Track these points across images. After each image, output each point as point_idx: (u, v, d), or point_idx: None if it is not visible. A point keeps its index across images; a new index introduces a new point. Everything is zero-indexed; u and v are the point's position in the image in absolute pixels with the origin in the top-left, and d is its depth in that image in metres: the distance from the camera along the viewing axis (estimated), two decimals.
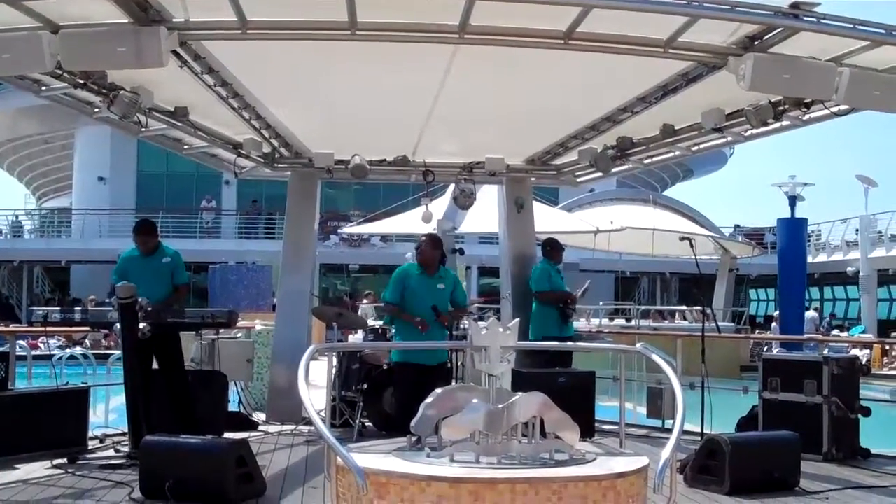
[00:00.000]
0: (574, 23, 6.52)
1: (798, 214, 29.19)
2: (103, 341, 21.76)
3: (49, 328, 9.16)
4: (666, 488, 5.16)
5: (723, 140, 9.72)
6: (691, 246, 10.95)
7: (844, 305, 42.69)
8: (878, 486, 7.85)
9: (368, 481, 4.91)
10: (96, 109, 8.59)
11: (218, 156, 11.42)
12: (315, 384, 6.63)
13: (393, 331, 10.24)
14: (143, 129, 9.21)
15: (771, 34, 6.61)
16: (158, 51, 6.33)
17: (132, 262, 9.12)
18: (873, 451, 9.13)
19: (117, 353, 11.18)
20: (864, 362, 20.71)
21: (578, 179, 12.32)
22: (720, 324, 23.42)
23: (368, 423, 10.02)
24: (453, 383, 9.90)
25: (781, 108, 8.02)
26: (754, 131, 8.85)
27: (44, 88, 7.96)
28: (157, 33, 6.31)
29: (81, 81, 7.63)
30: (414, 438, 5.85)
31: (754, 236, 39.63)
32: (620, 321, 28.81)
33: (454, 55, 7.38)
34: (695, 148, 10.17)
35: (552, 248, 11.24)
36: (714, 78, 7.37)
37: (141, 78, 7.87)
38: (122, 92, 7.92)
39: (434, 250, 9.63)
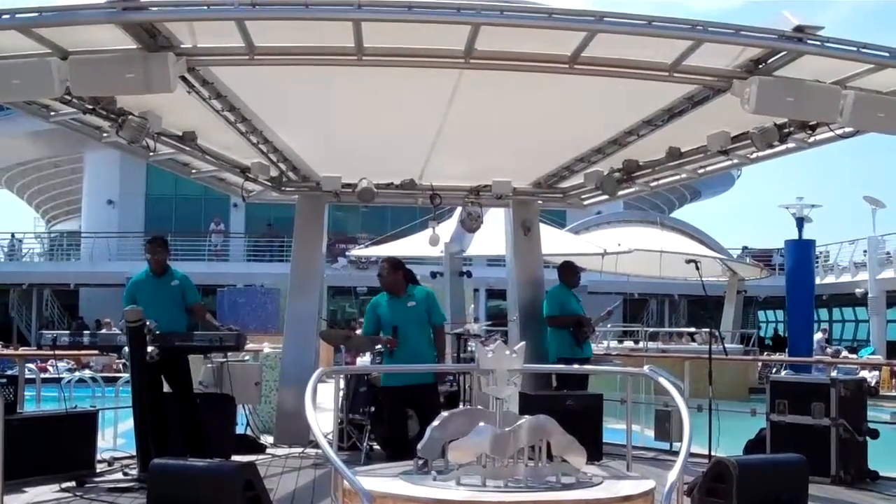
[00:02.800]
0: (579, 47, 6.56)
1: (806, 236, 29.11)
2: (114, 364, 21.71)
3: (58, 351, 9.17)
4: None
5: (729, 162, 9.73)
6: (697, 268, 10.96)
7: (853, 327, 42.58)
8: None
9: None
10: (105, 134, 8.65)
11: (226, 179, 11.48)
12: (323, 407, 6.66)
13: None
14: (151, 154, 9.28)
15: (775, 57, 6.64)
16: (167, 76, 6.37)
17: (142, 286, 9.17)
18: (882, 473, 9.09)
19: (126, 376, 11.21)
20: (872, 384, 20.66)
21: (585, 202, 12.34)
22: (728, 346, 23.36)
23: (376, 447, 10.01)
24: (461, 406, 9.91)
25: (787, 130, 8.04)
26: (760, 154, 8.87)
27: (53, 114, 8.02)
28: (165, 59, 6.35)
29: (90, 107, 7.69)
30: (421, 461, 5.86)
31: (762, 258, 39.51)
32: (629, 343, 28.73)
33: (460, 79, 7.42)
34: (701, 170, 10.18)
35: (563, 271, 11.26)
36: (719, 101, 7.40)
37: (149, 103, 7.92)
38: (130, 117, 7.97)
39: (394, 273, 9.49)
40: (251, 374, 11.16)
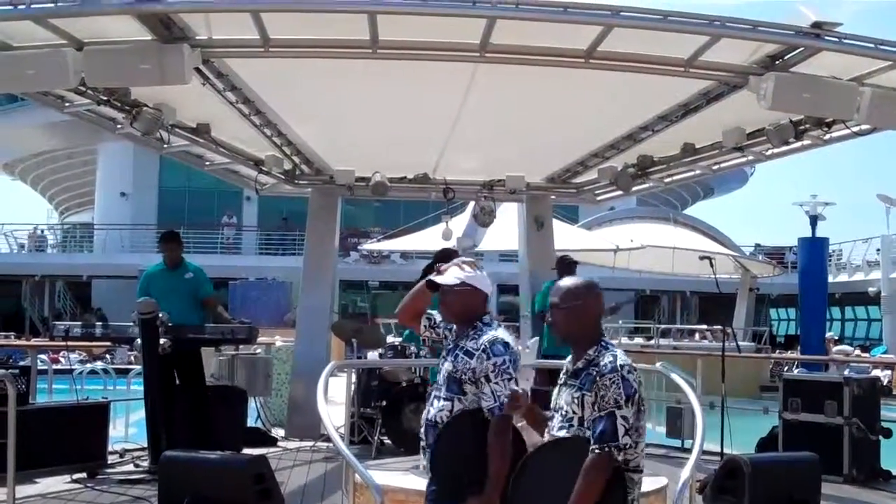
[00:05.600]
0: (595, 42, 6.53)
1: (819, 234, 28.95)
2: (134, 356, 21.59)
3: (70, 343, 9.19)
4: None
5: (743, 159, 9.70)
6: (711, 265, 10.91)
7: (866, 326, 42.40)
8: None
9: (386, 498, 4.91)
10: (119, 126, 8.66)
11: (239, 172, 11.48)
12: (334, 401, 6.66)
13: (413, 348, 10.09)
14: (165, 146, 9.28)
15: (792, 54, 6.59)
16: (181, 68, 6.36)
17: (156, 279, 9.20)
18: (894, 472, 9.06)
19: (138, 367, 11.23)
20: (885, 383, 20.53)
21: (598, 198, 12.32)
22: (740, 343, 23.30)
23: (387, 441, 10.00)
24: None
25: (802, 127, 8.00)
26: (775, 150, 8.82)
27: (67, 105, 8.02)
28: (180, 51, 6.34)
29: (105, 98, 7.69)
30: None
31: (775, 255, 39.39)
32: (640, 340, 28.68)
33: (475, 73, 7.40)
34: (715, 167, 10.15)
35: (557, 265, 10.98)
36: (735, 97, 7.36)
37: (164, 95, 7.92)
38: (144, 108, 7.98)
39: None
40: (262, 366, 11.18)
